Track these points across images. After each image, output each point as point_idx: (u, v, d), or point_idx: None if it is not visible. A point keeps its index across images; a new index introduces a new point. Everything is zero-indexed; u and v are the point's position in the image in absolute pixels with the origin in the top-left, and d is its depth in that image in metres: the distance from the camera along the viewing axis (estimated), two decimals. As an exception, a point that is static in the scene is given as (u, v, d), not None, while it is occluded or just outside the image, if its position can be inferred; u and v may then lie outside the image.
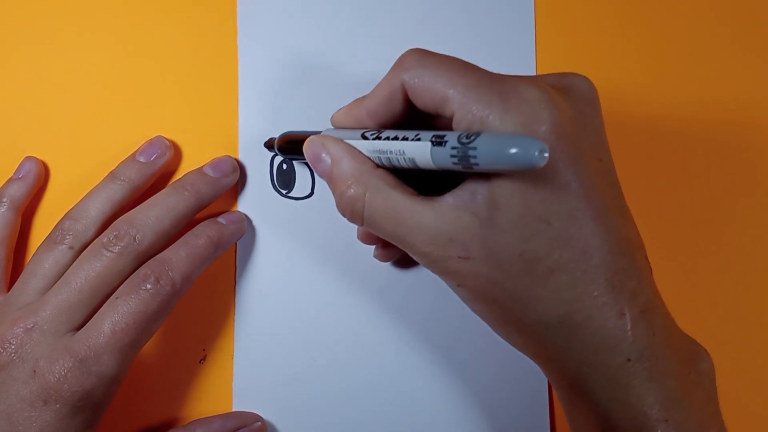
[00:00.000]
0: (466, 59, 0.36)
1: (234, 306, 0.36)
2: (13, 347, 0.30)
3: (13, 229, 0.35)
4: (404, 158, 0.26)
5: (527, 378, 0.35)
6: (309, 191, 0.36)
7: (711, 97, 0.37)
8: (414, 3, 0.37)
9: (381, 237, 0.28)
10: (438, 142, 0.24)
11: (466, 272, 0.26)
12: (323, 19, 0.37)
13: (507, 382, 0.35)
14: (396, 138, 0.26)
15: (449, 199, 0.26)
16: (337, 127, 0.30)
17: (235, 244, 0.36)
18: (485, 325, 0.35)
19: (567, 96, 0.25)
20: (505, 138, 0.22)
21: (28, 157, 0.36)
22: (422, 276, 0.36)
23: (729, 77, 0.37)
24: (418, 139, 0.25)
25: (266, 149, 0.36)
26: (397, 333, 0.36)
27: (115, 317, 0.30)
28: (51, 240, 0.32)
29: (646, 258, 0.26)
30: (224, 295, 0.36)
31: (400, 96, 0.27)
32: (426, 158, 0.25)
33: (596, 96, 0.27)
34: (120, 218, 0.32)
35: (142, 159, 0.35)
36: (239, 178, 0.36)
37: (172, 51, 0.37)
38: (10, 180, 0.36)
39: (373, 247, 0.35)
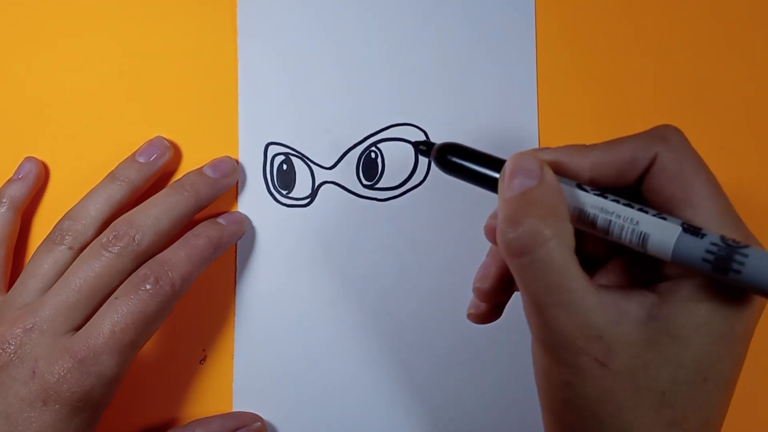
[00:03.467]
0: (466, 59, 0.36)
1: (234, 306, 0.36)
2: (12, 348, 0.30)
3: (12, 229, 0.35)
4: (633, 229, 0.24)
5: (527, 378, 0.35)
6: (309, 192, 0.36)
7: (712, 96, 0.36)
8: (414, 3, 0.36)
9: (518, 286, 0.25)
10: (692, 230, 0.22)
11: (592, 377, 0.24)
12: (323, 20, 0.37)
13: (507, 382, 0.35)
14: (629, 205, 0.24)
15: (623, 297, 0.24)
16: None
17: (235, 245, 0.36)
18: (485, 326, 0.35)
19: None
20: None
21: (28, 157, 0.36)
22: (423, 276, 0.36)
23: (730, 77, 0.37)
24: (663, 218, 0.23)
25: (416, 150, 0.33)
26: (396, 333, 0.36)
27: (115, 317, 0.30)
28: (50, 240, 0.32)
29: None
30: (224, 295, 0.36)
31: (642, 167, 0.25)
32: (665, 241, 0.23)
33: None
34: (119, 218, 0.32)
35: (141, 159, 0.35)
36: (239, 178, 0.36)
37: (172, 51, 0.37)
38: (10, 180, 0.36)
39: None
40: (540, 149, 0.26)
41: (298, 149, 0.36)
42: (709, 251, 0.22)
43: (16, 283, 0.33)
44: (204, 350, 0.36)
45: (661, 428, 0.24)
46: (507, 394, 0.35)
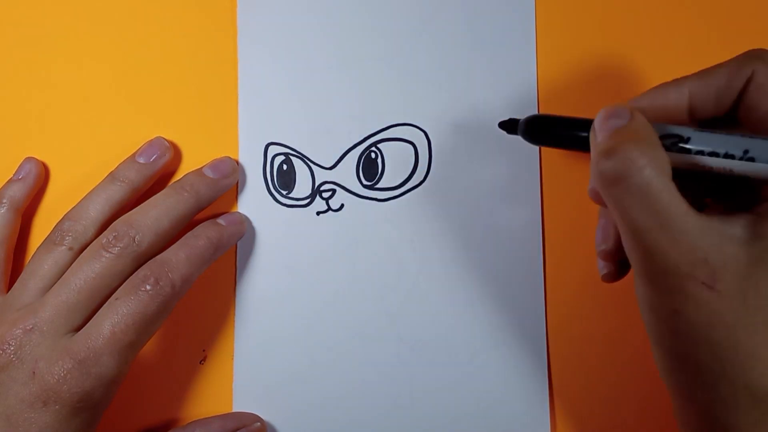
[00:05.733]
0: (466, 59, 0.36)
1: (234, 306, 0.36)
2: (12, 348, 0.30)
3: (12, 229, 0.35)
4: (735, 155, 0.24)
5: (527, 378, 0.35)
6: (309, 193, 0.36)
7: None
8: (414, 3, 0.36)
9: (616, 216, 0.25)
10: None
11: (700, 301, 0.23)
12: (323, 20, 0.37)
13: (507, 382, 0.35)
14: (728, 134, 0.24)
15: (723, 222, 0.24)
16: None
17: (235, 245, 0.36)
18: (485, 325, 0.35)
19: None
20: None
21: (28, 157, 0.36)
22: (422, 275, 0.36)
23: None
24: (765, 139, 0.23)
25: (502, 128, 0.32)
26: (397, 333, 0.36)
27: (115, 318, 0.30)
28: (50, 241, 0.32)
29: None
30: (224, 296, 0.36)
31: (738, 88, 0.25)
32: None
33: None
34: (119, 219, 0.32)
35: (141, 160, 0.35)
36: (239, 178, 0.36)
37: (172, 51, 0.37)
38: (10, 181, 0.36)
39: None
40: (631, 99, 0.27)
41: (298, 149, 0.36)
42: None
43: (16, 283, 0.33)
44: (204, 350, 0.36)
45: None
46: (507, 394, 0.35)
